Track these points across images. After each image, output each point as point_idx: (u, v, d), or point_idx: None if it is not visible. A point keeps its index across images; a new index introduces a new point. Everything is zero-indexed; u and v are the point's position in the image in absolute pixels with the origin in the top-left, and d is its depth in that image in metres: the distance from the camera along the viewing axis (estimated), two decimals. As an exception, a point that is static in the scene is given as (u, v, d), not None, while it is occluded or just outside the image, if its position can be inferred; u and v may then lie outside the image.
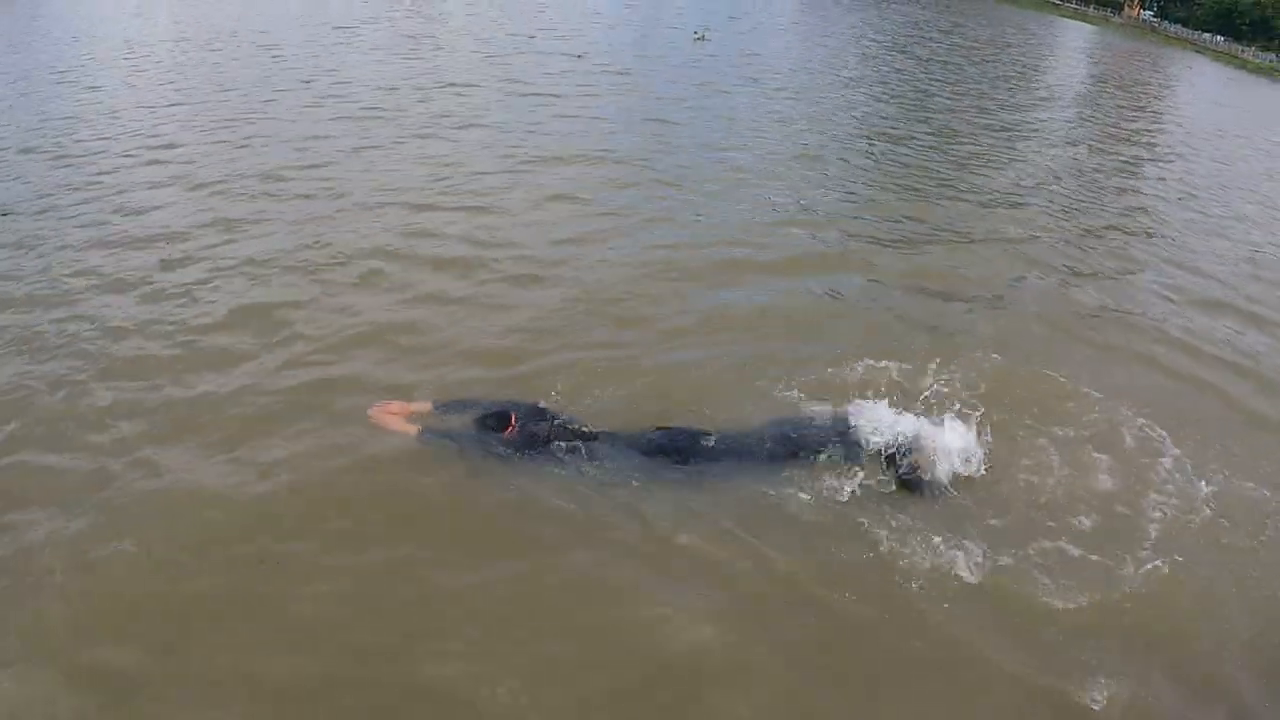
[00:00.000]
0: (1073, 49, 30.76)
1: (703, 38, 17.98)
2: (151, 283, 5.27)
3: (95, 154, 8.05)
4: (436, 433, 3.68)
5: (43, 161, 7.82)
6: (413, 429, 3.68)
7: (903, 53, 20.13)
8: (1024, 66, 21.71)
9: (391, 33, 16.84)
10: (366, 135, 8.89)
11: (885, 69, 17.36)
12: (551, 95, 11.28)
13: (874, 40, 22.40)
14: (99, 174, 7.45)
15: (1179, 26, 48.30)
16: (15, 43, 15.11)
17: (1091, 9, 52.54)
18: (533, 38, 16.75)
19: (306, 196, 6.96)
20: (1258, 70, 37.08)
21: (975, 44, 24.87)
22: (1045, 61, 24.70)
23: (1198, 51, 40.93)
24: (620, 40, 17.85)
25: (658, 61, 15.12)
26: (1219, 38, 44.47)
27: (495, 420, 3.54)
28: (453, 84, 11.74)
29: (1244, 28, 44.09)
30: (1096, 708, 2.69)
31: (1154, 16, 52.16)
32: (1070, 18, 48.82)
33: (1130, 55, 31.34)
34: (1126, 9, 52.72)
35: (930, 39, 23.97)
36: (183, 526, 3.23)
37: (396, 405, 3.80)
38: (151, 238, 5.99)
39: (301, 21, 18.18)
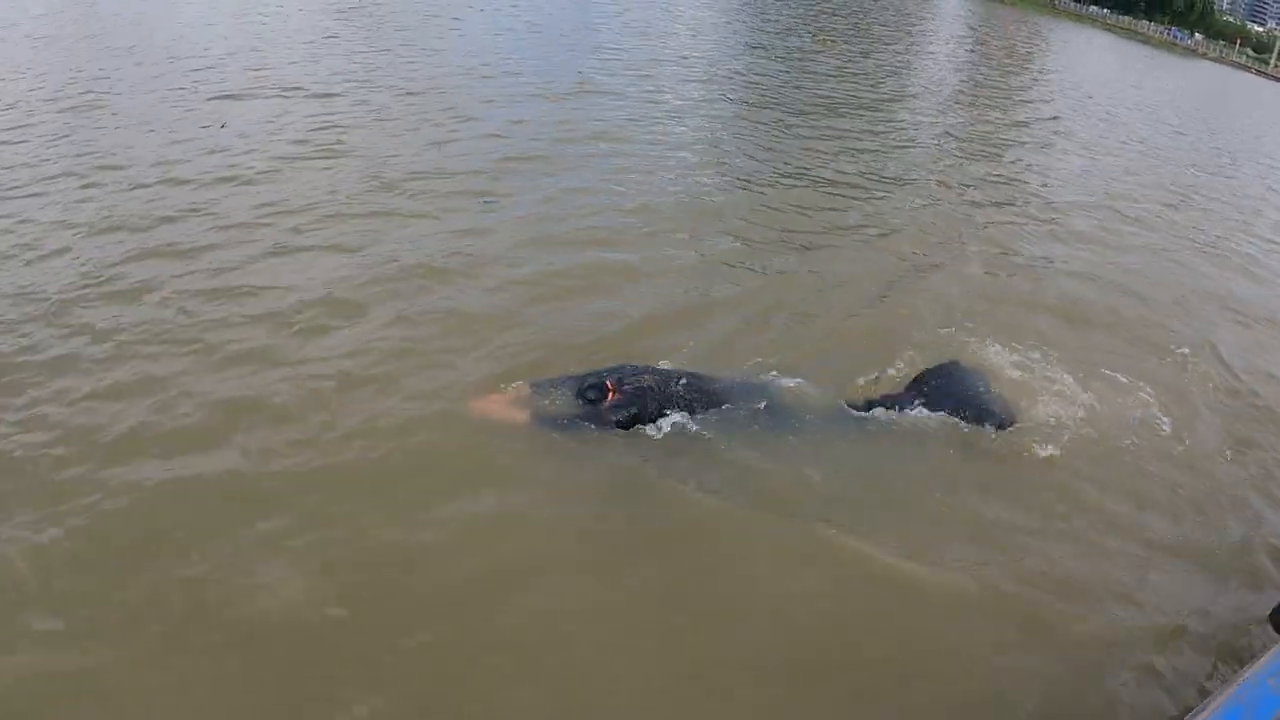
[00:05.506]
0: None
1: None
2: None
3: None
4: (544, 417, 3.65)
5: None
6: (522, 415, 3.66)
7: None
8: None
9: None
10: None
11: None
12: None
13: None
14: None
15: (1072, 1, 51.34)
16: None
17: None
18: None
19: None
20: (1161, 45, 39.98)
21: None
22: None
23: (1106, 29, 43.59)
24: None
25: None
26: (1104, 10, 47.68)
27: (594, 392, 3.61)
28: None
29: (1138, 2, 47.36)
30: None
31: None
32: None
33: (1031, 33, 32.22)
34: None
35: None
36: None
37: (497, 396, 3.76)
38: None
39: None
